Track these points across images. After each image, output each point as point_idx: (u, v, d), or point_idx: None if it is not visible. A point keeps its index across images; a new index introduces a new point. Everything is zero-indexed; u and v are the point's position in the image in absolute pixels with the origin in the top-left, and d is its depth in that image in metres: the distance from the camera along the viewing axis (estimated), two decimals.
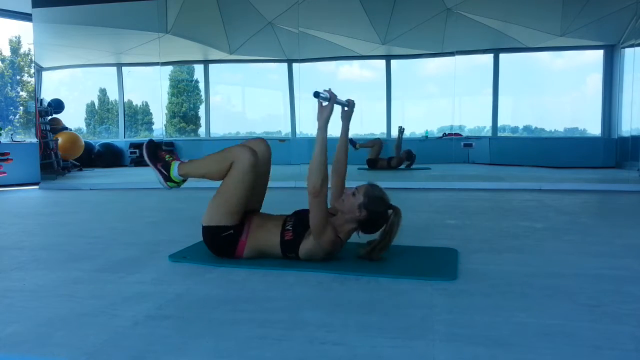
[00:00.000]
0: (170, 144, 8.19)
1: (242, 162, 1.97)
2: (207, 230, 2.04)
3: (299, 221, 2.02)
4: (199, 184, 5.67)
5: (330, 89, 1.93)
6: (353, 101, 2.13)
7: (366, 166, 6.90)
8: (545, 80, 7.46)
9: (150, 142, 2.19)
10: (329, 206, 1.99)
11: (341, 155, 2.21)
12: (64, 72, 8.51)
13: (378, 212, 1.96)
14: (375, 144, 6.98)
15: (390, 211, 1.98)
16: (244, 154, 1.97)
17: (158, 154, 2.17)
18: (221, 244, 2.04)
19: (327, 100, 1.90)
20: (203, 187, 5.38)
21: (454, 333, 1.32)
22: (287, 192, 4.91)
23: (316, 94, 1.87)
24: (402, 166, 6.88)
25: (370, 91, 7.87)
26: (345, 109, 2.16)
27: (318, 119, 1.89)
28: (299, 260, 1.99)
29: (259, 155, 2.05)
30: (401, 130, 6.96)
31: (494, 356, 1.19)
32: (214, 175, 2.06)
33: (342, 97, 2.08)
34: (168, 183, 2.14)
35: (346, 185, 2.09)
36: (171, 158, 2.16)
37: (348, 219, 1.98)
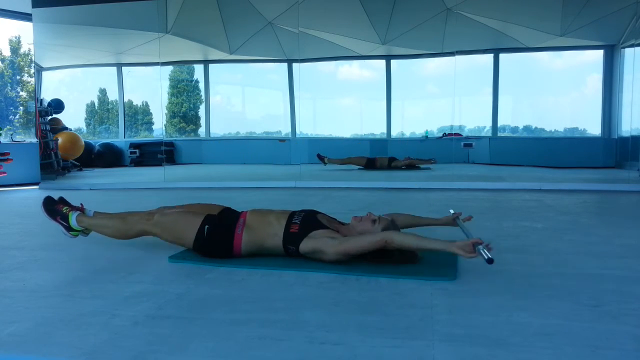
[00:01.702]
0: (170, 144, 8.19)
1: (150, 226, 2.12)
2: (195, 246, 2.09)
3: (307, 218, 2.03)
4: (199, 183, 5.68)
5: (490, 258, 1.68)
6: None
7: (362, 167, 6.91)
8: (545, 80, 7.46)
9: (46, 198, 2.33)
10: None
11: (414, 224, 2.31)
12: (64, 72, 8.52)
13: (388, 252, 1.93)
14: (347, 162, 6.97)
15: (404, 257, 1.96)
16: (144, 224, 2.13)
17: (55, 208, 2.30)
18: (213, 244, 2.05)
19: (484, 257, 1.67)
20: (203, 187, 5.39)
21: (454, 333, 1.32)
22: (287, 192, 4.92)
23: (490, 260, 1.65)
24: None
25: (370, 91, 7.87)
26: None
27: (450, 246, 1.73)
28: (298, 255, 1.99)
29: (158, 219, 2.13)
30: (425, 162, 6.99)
31: (494, 356, 1.19)
32: (116, 237, 2.24)
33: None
34: (71, 232, 2.26)
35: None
36: (68, 209, 2.28)
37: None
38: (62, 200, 2.36)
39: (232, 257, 2.06)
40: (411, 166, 6.86)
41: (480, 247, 1.67)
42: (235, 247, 2.05)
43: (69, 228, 2.24)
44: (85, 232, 2.28)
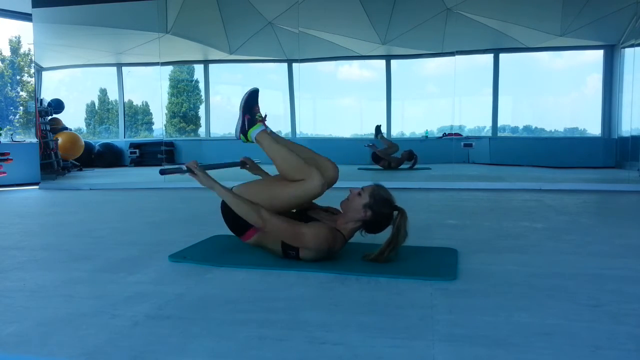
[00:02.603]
0: (170, 144, 8.20)
1: (310, 187, 1.93)
2: (228, 208, 2.03)
3: (299, 218, 2.02)
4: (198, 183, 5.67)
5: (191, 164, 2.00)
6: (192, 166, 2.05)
7: (366, 166, 6.90)
8: (545, 80, 7.47)
9: (254, 92, 2.16)
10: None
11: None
12: (64, 72, 8.52)
13: (383, 213, 1.96)
14: (393, 147, 6.96)
15: (395, 213, 1.97)
16: (317, 183, 1.92)
17: (254, 107, 2.14)
18: (236, 222, 2.04)
19: (185, 172, 1.99)
20: (202, 187, 5.39)
21: (454, 333, 1.32)
22: None
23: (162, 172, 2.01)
24: (405, 166, 6.87)
25: (370, 91, 7.88)
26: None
27: (204, 184, 2.00)
28: (299, 259, 1.99)
29: (327, 183, 2.01)
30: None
31: (494, 356, 1.19)
32: (280, 171, 2.07)
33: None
34: (241, 136, 2.13)
35: (351, 186, 2.09)
36: (260, 118, 2.13)
37: (352, 218, 1.98)
38: (256, 106, 2.17)
39: (239, 238, 2.08)
40: (410, 161, 6.84)
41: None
42: (247, 236, 2.04)
43: (244, 132, 2.11)
44: (252, 142, 2.14)
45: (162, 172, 1.97)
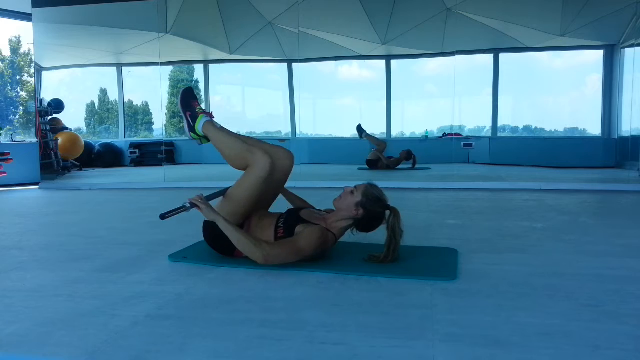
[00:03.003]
0: (170, 144, 8.19)
1: (257, 170, 1.97)
2: (208, 225, 2.04)
3: (289, 219, 2.01)
4: (199, 183, 5.67)
5: (195, 199, 1.91)
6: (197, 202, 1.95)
7: (366, 166, 6.90)
8: (545, 80, 7.47)
9: (188, 88, 2.20)
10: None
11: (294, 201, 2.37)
12: (64, 72, 8.52)
13: (375, 212, 1.97)
14: (382, 144, 6.95)
15: (387, 212, 1.97)
16: (262, 164, 1.96)
17: (190, 102, 2.17)
18: (219, 240, 2.03)
19: (190, 209, 1.90)
20: (203, 187, 5.38)
21: (454, 333, 1.32)
22: None
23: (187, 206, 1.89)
24: (405, 166, 6.87)
25: (370, 91, 7.87)
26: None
27: (209, 218, 1.92)
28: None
29: (279, 168, 2.05)
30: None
31: (494, 356, 1.19)
32: (227, 159, 2.09)
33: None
34: (191, 134, 2.15)
35: (346, 185, 2.09)
36: (201, 110, 2.15)
37: (344, 216, 1.99)
38: (196, 100, 2.23)
39: (231, 257, 2.06)
40: (409, 161, 6.83)
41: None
42: (238, 253, 2.00)
43: (192, 128, 2.13)
44: (203, 140, 2.17)
45: (163, 217, 1.84)
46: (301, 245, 1.88)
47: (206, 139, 2.17)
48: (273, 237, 1.99)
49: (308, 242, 1.89)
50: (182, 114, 2.17)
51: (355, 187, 2.00)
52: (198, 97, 2.27)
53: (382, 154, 6.84)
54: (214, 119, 2.17)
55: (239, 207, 2.00)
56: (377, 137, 7.12)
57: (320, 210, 2.19)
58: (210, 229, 2.03)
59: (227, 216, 1.97)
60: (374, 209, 1.96)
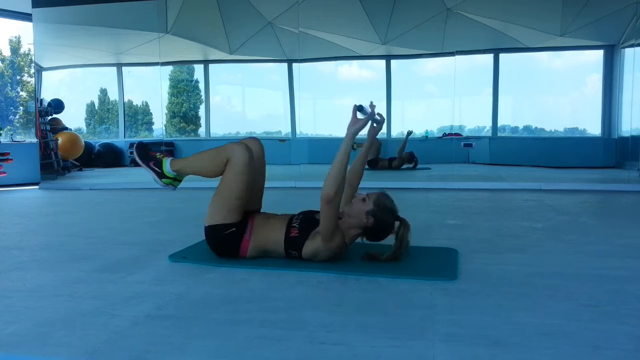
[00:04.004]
0: (170, 144, 8.19)
1: (237, 159, 1.97)
2: (210, 230, 2.04)
3: (305, 220, 2.02)
4: (199, 183, 5.67)
5: (372, 103, 1.91)
6: (384, 119, 2.11)
7: (366, 166, 6.90)
8: (545, 80, 7.47)
9: (140, 143, 2.23)
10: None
11: (358, 167, 2.24)
12: (64, 72, 8.52)
13: (385, 222, 1.95)
14: (372, 144, 6.95)
15: (397, 223, 1.97)
16: (239, 152, 1.97)
17: (149, 153, 2.18)
18: (224, 243, 2.03)
19: (366, 114, 1.87)
20: (203, 187, 5.39)
21: (454, 333, 1.32)
22: (287, 192, 4.92)
23: (360, 108, 1.84)
24: (407, 166, 6.87)
25: (370, 91, 7.87)
26: (375, 125, 2.14)
27: (348, 129, 1.86)
28: (301, 259, 1.99)
29: (254, 154, 2.05)
30: (409, 133, 6.95)
31: (494, 356, 1.19)
32: (208, 172, 2.08)
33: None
34: (163, 180, 2.14)
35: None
36: (162, 155, 2.18)
37: (354, 223, 1.98)
38: (152, 150, 2.24)
39: (236, 258, 2.06)
40: (411, 163, 6.84)
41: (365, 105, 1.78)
42: (242, 251, 2.04)
43: (161, 175, 2.13)
44: (175, 183, 2.16)
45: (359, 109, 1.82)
46: (338, 238, 1.92)
47: (177, 180, 2.18)
48: (283, 237, 1.99)
49: (336, 244, 1.93)
50: (145, 168, 2.18)
51: (367, 195, 1.99)
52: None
53: (377, 155, 6.84)
54: (171, 155, 2.22)
55: (232, 202, 2.00)
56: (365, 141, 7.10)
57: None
58: (213, 233, 2.03)
59: (224, 215, 1.99)
60: (384, 219, 1.95)
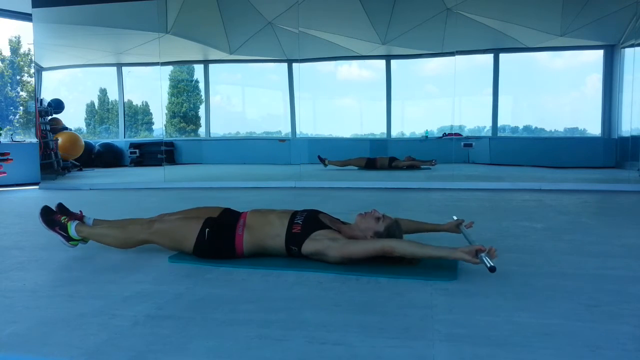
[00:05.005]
0: (170, 144, 8.19)
1: (150, 234, 2.11)
2: (196, 250, 2.08)
3: (309, 219, 2.02)
4: (199, 183, 5.67)
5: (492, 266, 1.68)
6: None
7: (365, 166, 6.90)
8: (545, 80, 7.46)
9: (43, 208, 2.28)
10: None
11: (415, 229, 2.27)
12: (64, 72, 8.51)
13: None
14: (347, 163, 6.99)
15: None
16: (144, 233, 2.12)
17: (54, 218, 2.26)
18: (214, 246, 2.05)
19: (480, 261, 1.71)
20: (203, 187, 5.39)
21: (454, 333, 1.32)
22: (287, 192, 4.92)
23: (481, 258, 1.70)
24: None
25: (370, 91, 7.87)
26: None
27: (457, 252, 1.75)
28: (300, 255, 1.99)
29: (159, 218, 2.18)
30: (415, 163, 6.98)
31: (494, 356, 1.19)
32: (116, 246, 2.22)
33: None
34: (70, 242, 2.24)
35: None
36: (66, 219, 2.25)
37: (358, 235, 1.99)
38: (60, 208, 2.34)
39: (234, 257, 2.06)
40: (412, 166, 6.86)
41: (483, 254, 1.69)
42: (237, 248, 2.04)
43: (68, 238, 2.22)
44: (84, 240, 2.27)
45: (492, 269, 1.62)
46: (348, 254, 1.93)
47: (82, 241, 2.26)
48: (285, 232, 2.00)
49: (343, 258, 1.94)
50: (52, 232, 2.24)
51: (383, 216, 2.01)
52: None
53: (368, 160, 6.88)
54: (84, 217, 2.31)
55: (179, 225, 2.10)
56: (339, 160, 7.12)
57: (339, 219, 2.18)
58: (199, 248, 2.06)
59: (187, 232, 2.07)
60: None
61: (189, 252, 2.10)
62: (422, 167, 6.85)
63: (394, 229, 1.98)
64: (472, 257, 1.71)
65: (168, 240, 2.11)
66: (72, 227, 2.21)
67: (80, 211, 2.34)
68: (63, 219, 2.25)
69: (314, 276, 1.86)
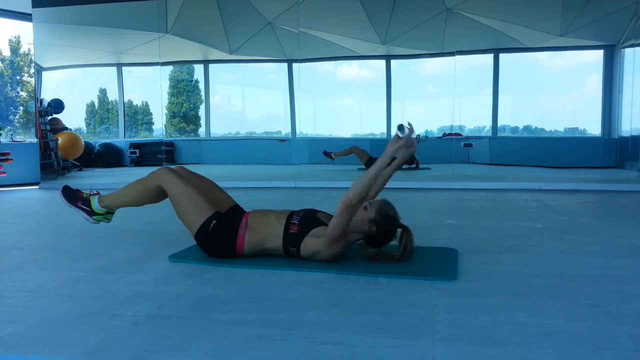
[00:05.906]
0: (170, 144, 8.20)
1: (168, 178, 2.09)
2: (197, 236, 2.07)
3: (306, 217, 2.02)
4: None
5: (410, 124, 1.87)
6: (413, 145, 1.91)
7: (365, 165, 6.90)
8: (545, 80, 7.47)
9: (65, 186, 2.31)
10: None
11: (386, 174, 2.21)
12: (64, 72, 8.51)
13: (387, 230, 1.96)
14: (352, 151, 6.95)
15: (400, 230, 1.97)
16: (165, 173, 2.10)
17: (75, 194, 2.28)
18: (215, 241, 2.04)
19: (403, 134, 1.83)
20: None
21: (454, 333, 1.32)
22: (287, 192, 4.92)
23: (400, 127, 1.84)
24: (408, 166, 6.87)
25: (370, 91, 7.88)
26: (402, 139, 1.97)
27: (388, 147, 1.85)
28: (299, 256, 1.99)
29: (178, 170, 2.17)
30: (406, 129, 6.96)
31: (494, 356, 1.19)
32: (137, 202, 2.22)
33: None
34: (94, 217, 2.25)
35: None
36: (88, 194, 2.27)
37: (356, 229, 1.97)
38: (78, 190, 2.34)
39: (234, 257, 2.06)
40: (411, 165, 6.84)
41: (402, 128, 1.80)
42: (238, 248, 2.04)
43: (91, 212, 2.23)
44: (107, 216, 2.28)
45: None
46: (341, 243, 1.94)
47: (109, 213, 2.29)
48: (282, 232, 2.00)
49: (339, 246, 1.95)
50: (74, 209, 2.26)
51: (369, 202, 1.99)
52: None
53: (367, 156, 6.85)
54: (96, 192, 2.32)
55: (195, 205, 2.06)
56: (344, 149, 7.07)
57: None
58: (201, 236, 2.05)
59: (198, 216, 2.05)
60: (386, 227, 1.95)
61: (189, 229, 2.09)
62: (420, 166, 6.84)
63: (385, 207, 1.96)
64: (398, 142, 1.80)
65: (178, 203, 2.08)
66: (94, 200, 2.23)
67: (98, 191, 2.34)
68: (85, 193, 2.27)
69: (314, 276, 1.86)
